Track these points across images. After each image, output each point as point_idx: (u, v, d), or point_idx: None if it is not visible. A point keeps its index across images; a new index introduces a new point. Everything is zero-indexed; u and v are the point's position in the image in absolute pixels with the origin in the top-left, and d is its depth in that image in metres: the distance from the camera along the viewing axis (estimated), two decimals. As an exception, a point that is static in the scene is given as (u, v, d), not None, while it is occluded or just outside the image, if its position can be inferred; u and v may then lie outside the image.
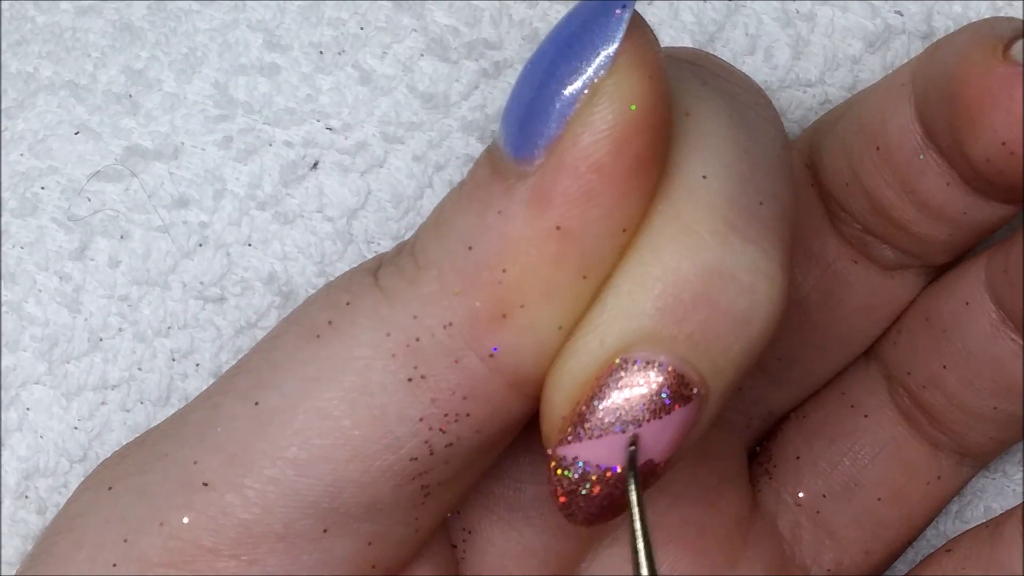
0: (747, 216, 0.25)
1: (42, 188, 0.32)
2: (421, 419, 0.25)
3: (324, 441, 0.25)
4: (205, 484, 0.25)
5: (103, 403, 0.32)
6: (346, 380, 0.25)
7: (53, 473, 0.32)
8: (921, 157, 0.30)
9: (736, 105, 0.26)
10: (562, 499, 0.25)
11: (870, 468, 0.33)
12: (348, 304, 0.26)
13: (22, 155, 0.32)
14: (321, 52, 0.32)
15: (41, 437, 0.32)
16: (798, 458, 0.33)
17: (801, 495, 0.33)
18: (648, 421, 0.24)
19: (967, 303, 0.31)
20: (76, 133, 0.32)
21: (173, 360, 0.32)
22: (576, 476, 0.25)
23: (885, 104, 0.30)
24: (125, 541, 0.26)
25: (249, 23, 0.32)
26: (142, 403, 0.32)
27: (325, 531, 0.26)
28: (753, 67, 0.33)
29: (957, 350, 0.31)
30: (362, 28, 0.32)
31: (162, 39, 0.33)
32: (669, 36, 0.33)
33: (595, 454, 0.24)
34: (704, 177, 0.25)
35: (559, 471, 0.25)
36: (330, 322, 0.26)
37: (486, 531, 0.30)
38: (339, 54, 0.32)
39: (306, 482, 0.25)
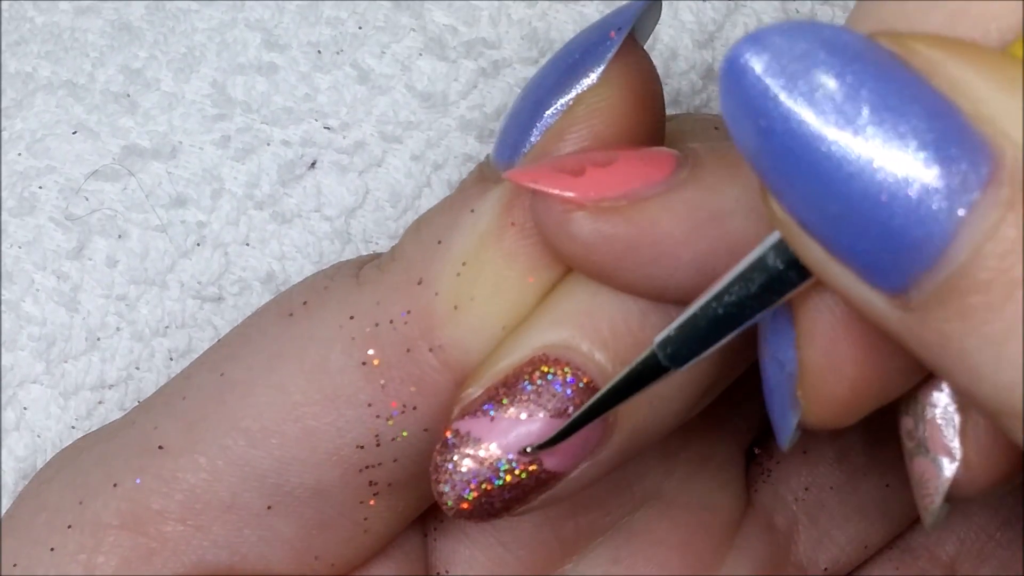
0: None
1: (40, 187, 0.32)
2: (370, 404, 0.26)
3: (276, 415, 0.26)
4: (160, 448, 0.26)
5: (100, 402, 0.32)
6: (307, 358, 0.26)
7: (51, 473, 0.32)
8: None
9: None
10: (436, 463, 0.25)
11: (880, 454, 0.32)
12: (326, 288, 0.27)
13: (20, 154, 0.32)
14: (319, 51, 0.32)
15: (39, 436, 0.31)
16: (804, 452, 0.33)
17: (807, 489, 0.33)
18: (550, 418, 0.24)
19: None
20: (74, 132, 0.32)
21: (171, 359, 0.32)
22: (457, 452, 0.25)
23: None
24: (80, 503, 0.26)
25: (247, 22, 0.32)
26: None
27: (269, 508, 0.26)
28: (753, 66, 0.33)
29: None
30: (360, 27, 0.32)
31: (160, 39, 0.33)
32: (669, 36, 0.33)
33: (489, 436, 0.25)
34: None
35: (445, 445, 0.25)
36: (305, 303, 0.27)
37: (457, 526, 0.30)
38: (337, 53, 0.32)
39: (255, 454, 0.26)
